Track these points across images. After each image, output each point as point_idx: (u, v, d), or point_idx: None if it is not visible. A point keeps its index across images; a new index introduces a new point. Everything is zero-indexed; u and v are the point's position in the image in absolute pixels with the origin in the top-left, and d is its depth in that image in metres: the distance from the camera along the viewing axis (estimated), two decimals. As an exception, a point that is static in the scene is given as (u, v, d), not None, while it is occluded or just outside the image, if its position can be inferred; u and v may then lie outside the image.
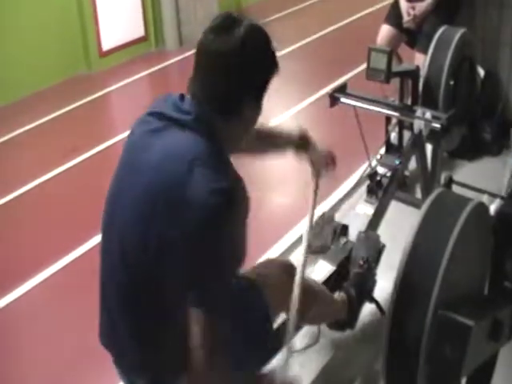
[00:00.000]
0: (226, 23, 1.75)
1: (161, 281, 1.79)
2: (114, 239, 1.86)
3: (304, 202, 2.54)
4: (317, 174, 2.53)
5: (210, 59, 1.76)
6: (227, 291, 1.76)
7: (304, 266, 2.26)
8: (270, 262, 2.45)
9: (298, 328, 2.52)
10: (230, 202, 1.70)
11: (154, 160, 1.77)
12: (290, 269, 2.27)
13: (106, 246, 1.93)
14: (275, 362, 2.21)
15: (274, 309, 2.12)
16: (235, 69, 1.75)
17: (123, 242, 1.82)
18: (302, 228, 3.25)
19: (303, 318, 2.30)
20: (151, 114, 1.87)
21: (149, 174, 1.77)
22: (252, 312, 2.02)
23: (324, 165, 2.55)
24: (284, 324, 2.24)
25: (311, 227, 2.45)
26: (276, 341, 2.17)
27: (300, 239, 2.70)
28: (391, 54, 3.25)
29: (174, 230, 1.69)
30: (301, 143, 2.47)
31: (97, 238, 3.90)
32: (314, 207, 2.50)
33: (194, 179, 1.69)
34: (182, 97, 1.85)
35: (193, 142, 1.75)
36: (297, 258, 2.49)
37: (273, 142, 2.42)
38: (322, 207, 3.95)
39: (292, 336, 2.16)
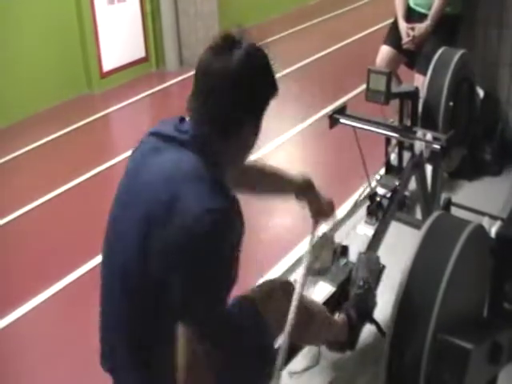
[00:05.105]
0: (226, 44, 1.77)
1: (160, 304, 1.79)
2: (115, 263, 1.87)
3: (303, 224, 2.53)
4: (315, 221, 2.54)
5: (209, 80, 1.77)
6: (221, 310, 1.80)
7: (302, 285, 2.24)
8: (269, 281, 2.45)
9: (298, 349, 2.51)
10: (224, 221, 1.70)
11: (151, 179, 1.79)
12: (286, 286, 2.25)
13: (106, 271, 1.93)
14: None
15: (272, 327, 2.09)
16: (234, 90, 1.76)
17: (125, 265, 1.82)
18: (301, 250, 3.23)
19: (300, 338, 2.30)
20: (151, 134, 1.91)
21: (146, 193, 1.79)
22: (250, 332, 2.00)
23: (323, 214, 2.54)
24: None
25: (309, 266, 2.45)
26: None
27: (300, 260, 2.68)
28: (390, 75, 3.26)
29: (169, 245, 1.71)
30: (303, 187, 2.45)
31: (93, 262, 3.90)
32: (311, 253, 2.48)
33: (190, 195, 1.70)
34: (182, 118, 1.88)
35: (189, 160, 1.77)
36: (296, 277, 2.48)
37: (275, 180, 2.41)
38: (323, 228, 3.95)
39: (283, 355, 2.10)
